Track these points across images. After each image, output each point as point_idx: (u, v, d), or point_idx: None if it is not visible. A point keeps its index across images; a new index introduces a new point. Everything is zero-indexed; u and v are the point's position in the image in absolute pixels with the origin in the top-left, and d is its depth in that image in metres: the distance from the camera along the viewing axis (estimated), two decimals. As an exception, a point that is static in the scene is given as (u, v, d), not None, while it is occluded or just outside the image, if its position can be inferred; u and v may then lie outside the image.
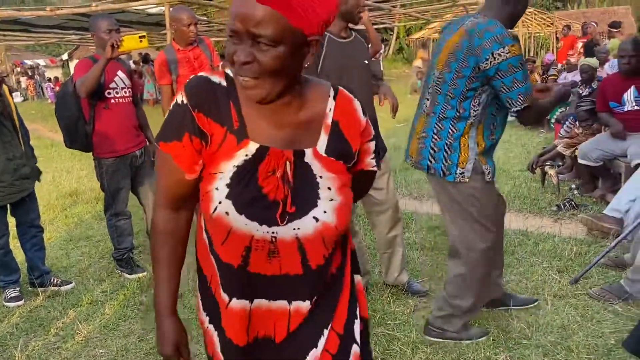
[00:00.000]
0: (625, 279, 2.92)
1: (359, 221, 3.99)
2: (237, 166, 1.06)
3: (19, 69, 27.01)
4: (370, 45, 3.89)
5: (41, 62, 29.60)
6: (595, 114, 4.81)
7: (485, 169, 2.39)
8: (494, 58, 2.18)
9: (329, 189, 1.09)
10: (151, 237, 1.21)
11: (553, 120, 7.08)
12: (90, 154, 3.60)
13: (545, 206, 4.59)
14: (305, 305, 1.14)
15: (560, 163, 5.35)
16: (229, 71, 1.09)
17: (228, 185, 1.06)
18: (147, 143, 3.76)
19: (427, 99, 2.46)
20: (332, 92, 1.14)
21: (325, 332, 1.17)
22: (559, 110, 6.70)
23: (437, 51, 2.46)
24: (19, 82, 25.90)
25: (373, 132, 1.20)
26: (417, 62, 17.73)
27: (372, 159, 1.21)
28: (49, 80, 24.37)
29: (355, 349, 1.21)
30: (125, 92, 3.58)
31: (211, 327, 1.20)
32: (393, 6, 14.06)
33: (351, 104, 1.15)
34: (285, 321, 1.14)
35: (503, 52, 2.18)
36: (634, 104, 4.37)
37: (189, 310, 2.99)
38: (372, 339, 2.68)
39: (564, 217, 4.30)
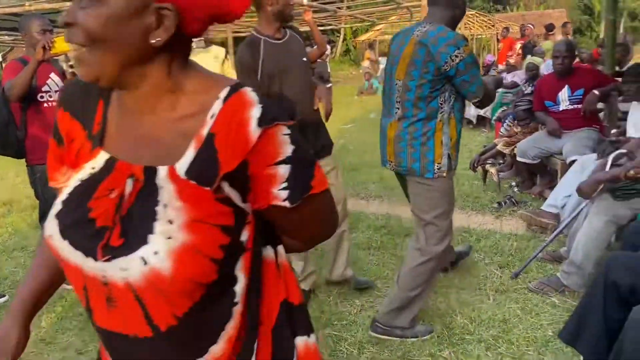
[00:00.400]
0: (561, 272, 3.03)
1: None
2: (82, 180, 0.86)
3: (-51, 72, 25.66)
4: (315, 47, 3.91)
5: (-26, 64, 28.19)
6: (532, 114, 4.99)
7: (454, 164, 2.60)
8: (452, 60, 2.39)
9: (170, 222, 0.77)
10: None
11: (494, 119, 7.30)
12: (24, 160, 3.45)
13: (487, 203, 4.72)
14: None
15: (501, 161, 5.51)
16: None
17: (63, 202, 0.86)
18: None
19: (398, 108, 2.60)
20: (224, 93, 0.81)
21: None
22: (500, 109, 6.91)
23: (393, 63, 2.62)
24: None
25: (286, 152, 0.81)
26: (365, 63, 17.96)
27: (284, 189, 0.82)
28: (-17, 83, 23.25)
29: None
30: (59, 96, 3.44)
31: None
32: (339, 7, 14.15)
33: (244, 112, 0.79)
34: None
35: (459, 53, 2.39)
36: (568, 103, 4.55)
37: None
38: (320, 341, 2.67)
39: (505, 214, 4.43)
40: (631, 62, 5.57)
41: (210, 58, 4.59)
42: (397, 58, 2.58)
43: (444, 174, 2.54)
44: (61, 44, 3.12)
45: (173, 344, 0.83)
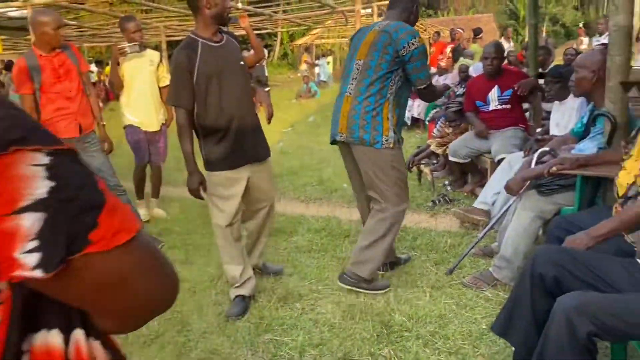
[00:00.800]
0: (493, 267, 3.15)
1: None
2: None
3: None
4: (252, 51, 3.90)
5: None
6: (462, 115, 5.16)
7: (399, 139, 3.00)
8: (409, 46, 2.83)
9: None
10: None
11: (427, 120, 7.50)
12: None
13: (422, 202, 4.83)
14: None
15: (435, 161, 5.67)
16: None
17: None
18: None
19: (352, 84, 2.98)
20: None
21: None
22: (433, 110, 7.10)
23: (355, 48, 3.02)
24: None
25: (35, 193, 0.51)
26: (303, 67, 18.01)
27: (31, 252, 0.51)
28: None
29: None
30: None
31: None
32: (275, 12, 14.14)
33: None
34: None
35: (415, 42, 2.84)
36: (497, 102, 4.74)
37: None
38: (260, 347, 2.66)
39: (439, 212, 4.56)
40: (553, 64, 5.86)
41: (146, 62, 4.47)
42: (358, 45, 2.99)
43: (391, 145, 2.92)
44: None
45: None
